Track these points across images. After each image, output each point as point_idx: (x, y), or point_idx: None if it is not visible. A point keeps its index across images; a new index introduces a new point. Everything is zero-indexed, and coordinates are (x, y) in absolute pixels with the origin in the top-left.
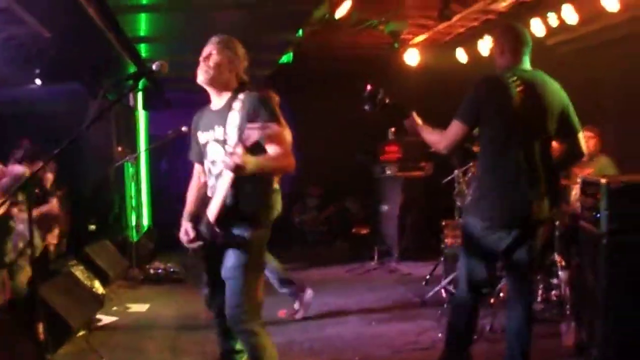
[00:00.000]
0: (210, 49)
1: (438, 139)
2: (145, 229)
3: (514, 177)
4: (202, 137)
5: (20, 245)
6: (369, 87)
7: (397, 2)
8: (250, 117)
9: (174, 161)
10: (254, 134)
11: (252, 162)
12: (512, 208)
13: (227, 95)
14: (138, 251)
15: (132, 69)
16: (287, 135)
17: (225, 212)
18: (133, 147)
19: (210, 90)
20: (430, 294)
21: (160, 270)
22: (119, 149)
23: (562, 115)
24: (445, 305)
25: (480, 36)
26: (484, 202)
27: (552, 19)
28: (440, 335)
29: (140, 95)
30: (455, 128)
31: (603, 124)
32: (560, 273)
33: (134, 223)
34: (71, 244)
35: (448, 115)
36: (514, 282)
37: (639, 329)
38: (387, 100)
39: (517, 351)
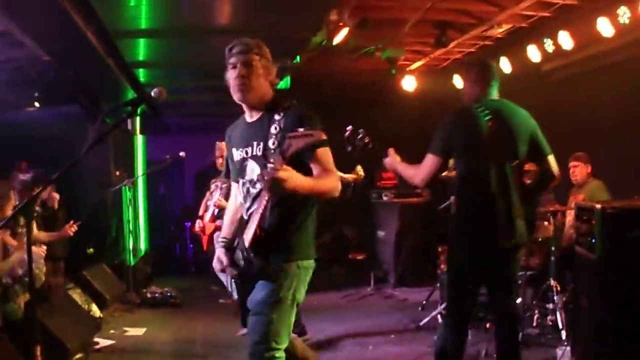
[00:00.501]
0: (244, 59)
1: (414, 173)
2: (143, 252)
3: (490, 204)
4: (236, 154)
5: (20, 272)
6: (349, 128)
7: (394, 28)
8: (289, 129)
9: (172, 186)
10: (296, 142)
11: (294, 178)
12: (490, 234)
13: (263, 106)
14: (135, 275)
15: (130, 93)
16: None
17: (262, 237)
18: (131, 172)
19: (245, 105)
20: (427, 319)
21: (157, 294)
22: (117, 173)
23: (531, 140)
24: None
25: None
26: (463, 230)
27: (548, 45)
28: None
29: (138, 119)
30: (429, 161)
31: (598, 148)
32: (555, 298)
33: (131, 247)
34: (69, 267)
35: None
36: (495, 306)
37: (634, 354)
38: (366, 141)
39: None
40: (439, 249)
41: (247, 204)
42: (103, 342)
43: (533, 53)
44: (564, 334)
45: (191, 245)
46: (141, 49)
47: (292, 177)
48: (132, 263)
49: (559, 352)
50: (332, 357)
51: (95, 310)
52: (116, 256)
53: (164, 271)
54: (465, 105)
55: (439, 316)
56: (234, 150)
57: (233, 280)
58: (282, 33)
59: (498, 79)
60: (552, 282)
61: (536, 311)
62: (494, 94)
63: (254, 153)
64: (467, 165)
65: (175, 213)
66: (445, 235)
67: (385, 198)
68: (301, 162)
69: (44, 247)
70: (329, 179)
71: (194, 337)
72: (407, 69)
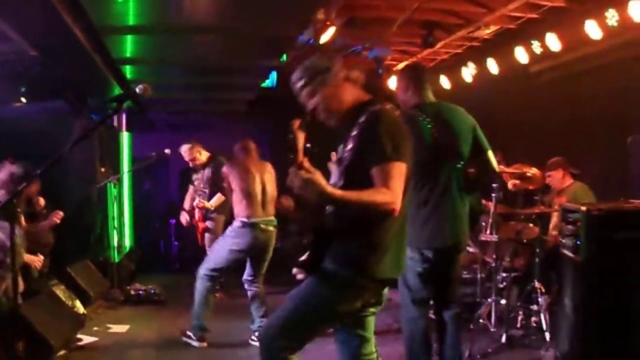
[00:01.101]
0: (301, 98)
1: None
2: (127, 249)
3: (435, 206)
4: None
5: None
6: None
7: (381, 28)
8: (365, 140)
9: (156, 183)
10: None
11: (311, 180)
12: (437, 234)
13: (350, 104)
14: (119, 272)
15: (116, 89)
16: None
17: (322, 237)
18: (116, 168)
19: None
20: None
21: (141, 292)
22: (102, 169)
23: (473, 138)
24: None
25: (464, 63)
26: (412, 231)
27: (536, 47)
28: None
29: (124, 116)
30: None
31: (585, 150)
32: (540, 299)
33: (115, 244)
34: (53, 263)
35: None
36: (439, 300)
37: (619, 355)
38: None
39: None
40: None
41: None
42: (86, 339)
43: (520, 54)
44: (548, 335)
45: (176, 243)
46: (128, 45)
47: (319, 185)
48: (117, 260)
49: (543, 353)
50: (315, 357)
51: (79, 307)
52: (101, 253)
53: (148, 268)
54: (408, 113)
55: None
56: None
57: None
58: (269, 31)
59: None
60: (537, 284)
61: (520, 312)
62: (431, 97)
63: (338, 155)
64: (415, 172)
65: (159, 210)
66: None
67: None
68: (365, 172)
69: (41, 257)
70: (378, 194)
71: (178, 334)
72: (394, 68)
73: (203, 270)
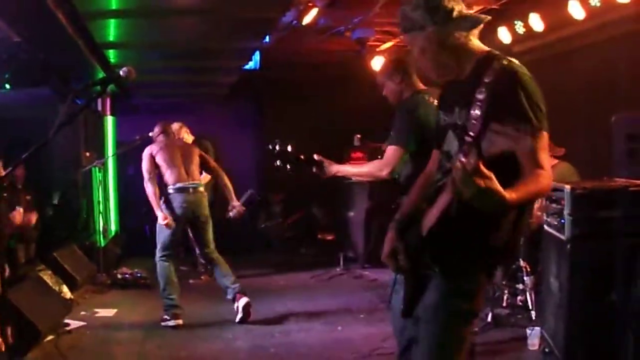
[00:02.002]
0: (408, 43)
1: (378, 166)
2: (113, 234)
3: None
4: (442, 118)
5: None
6: (274, 144)
7: (363, 9)
8: (498, 106)
9: (142, 166)
10: (499, 142)
11: (490, 189)
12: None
13: (472, 61)
14: (105, 256)
15: (101, 74)
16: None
17: (443, 228)
18: (101, 153)
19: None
20: None
21: (127, 275)
22: (87, 154)
23: None
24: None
25: None
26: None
27: (519, 27)
28: None
29: (108, 100)
30: (395, 152)
31: (569, 130)
32: (525, 279)
33: (101, 228)
34: (39, 248)
35: None
36: None
37: (602, 333)
38: (300, 158)
39: None
40: None
41: (438, 176)
42: (74, 324)
43: (504, 35)
44: (533, 314)
45: None
46: (111, 29)
47: (491, 187)
48: (103, 244)
49: (528, 332)
50: (301, 338)
51: (66, 292)
52: (87, 238)
53: (134, 252)
54: (418, 99)
55: None
56: (440, 112)
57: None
58: (252, 13)
59: None
60: (522, 263)
61: (506, 291)
62: (422, 85)
63: (455, 121)
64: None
65: (144, 194)
66: None
67: (354, 178)
68: (507, 156)
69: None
70: (537, 181)
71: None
72: (377, 49)
73: (156, 254)
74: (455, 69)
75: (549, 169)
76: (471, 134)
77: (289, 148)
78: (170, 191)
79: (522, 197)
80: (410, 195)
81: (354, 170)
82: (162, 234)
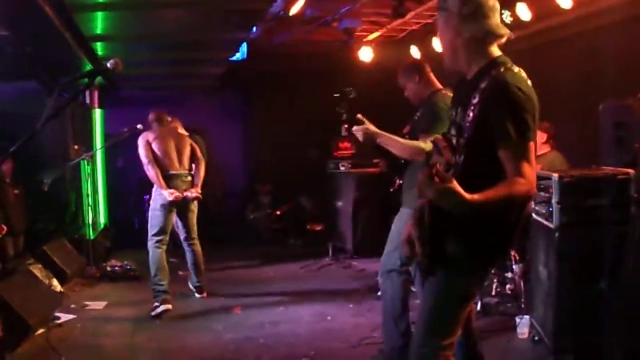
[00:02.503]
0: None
1: (418, 149)
2: (102, 226)
3: None
4: (453, 114)
5: None
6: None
7: None
8: (486, 114)
9: (130, 159)
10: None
11: (449, 189)
12: None
13: (479, 64)
14: (95, 249)
15: (88, 67)
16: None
17: (439, 219)
18: (89, 145)
19: None
20: None
21: (116, 268)
22: (75, 147)
23: None
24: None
25: (434, 33)
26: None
27: (506, 16)
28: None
29: (96, 93)
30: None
31: (557, 119)
32: (514, 267)
33: (90, 221)
34: (28, 242)
35: (401, 111)
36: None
37: (591, 320)
38: (357, 116)
39: None
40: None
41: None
42: (64, 317)
43: None
44: (522, 303)
45: None
46: (99, 22)
47: (449, 187)
48: (92, 237)
49: (517, 320)
50: (290, 328)
51: (56, 285)
52: (76, 231)
53: (123, 245)
54: (444, 97)
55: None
56: (452, 112)
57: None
58: (239, 4)
59: None
60: (511, 251)
61: (495, 280)
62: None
63: (456, 119)
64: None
65: (133, 187)
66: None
67: (342, 168)
68: (490, 149)
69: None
70: (513, 186)
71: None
72: (364, 39)
73: (149, 242)
74: (464, 65)
75: (531, 176)
76: (465, 135)
77: (351, 95)
78: (163, 178)
79: (486, 199)
80: None
81: (400, 139)
82: (155, 220)
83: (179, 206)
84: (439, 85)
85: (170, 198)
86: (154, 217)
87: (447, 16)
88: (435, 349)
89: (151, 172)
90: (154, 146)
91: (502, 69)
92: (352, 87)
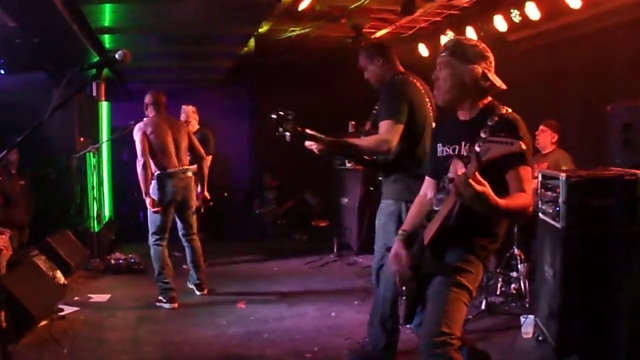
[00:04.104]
0: (437, 63)
1: (378, 141)
2: (107, 219)
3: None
4: (440, 150)
5: None
6: (278, 112)
7: None
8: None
9: (135, 152)
10: (494, 148)
11: (484, 194)
12: None
13: (478, 106)
14: (99, 241)
15: (96, 59)
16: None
17: (443, 234)
18: (95, 138)
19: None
20: None
21: (121, 261)
22: (81, 139)
23: None
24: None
25: (443, 31)
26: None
27: (515, 15)
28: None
29: (102, 86)
30: (391, 126)
31: (564, 119)
32: (519, 266)
33: (95, 213)
34: (33, 234)
35: None
36: None
37: (596, 320)
38: (299, 129)
39: None
40: None
41: (441, 196)
42: (68, 309)
43: (499, 23)
44: (527, 302)
45: None
46: (107, 14)
47: (482, 193)
48: (97, 230)
49: (522, 319)
50: (294, 324)
51: (60, 277)
52: (80, 223)
53: (128, 237)
54: (402, 80)
55: None
56: (439, 145)
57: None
58: None
59: None
60: (516, 251)
61: (500, 279)
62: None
63: (461, 152)
64: (414, 131)
65: (138, 179)
66: None
67: (348, 165)
68: (497, 172)
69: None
70: (522, 199)
71: (156, 302)
72: (372, 36)
73: (150, 238)
74: (467, 106)
75: (531, 195)
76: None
77: (289, 117)
78: (161, 175)
79: (510, 205)
80: (409, 216)
81: (354, 141)
82: (154, 218)
83: (178, 204)
84: (401, 68)
85: (152, 210)
86: (152, 214)
87: (468, 67)
88: (451, 339)
89: (141, 174)
90: (151, 141)
91: (504, 109)
92: (291, 110)
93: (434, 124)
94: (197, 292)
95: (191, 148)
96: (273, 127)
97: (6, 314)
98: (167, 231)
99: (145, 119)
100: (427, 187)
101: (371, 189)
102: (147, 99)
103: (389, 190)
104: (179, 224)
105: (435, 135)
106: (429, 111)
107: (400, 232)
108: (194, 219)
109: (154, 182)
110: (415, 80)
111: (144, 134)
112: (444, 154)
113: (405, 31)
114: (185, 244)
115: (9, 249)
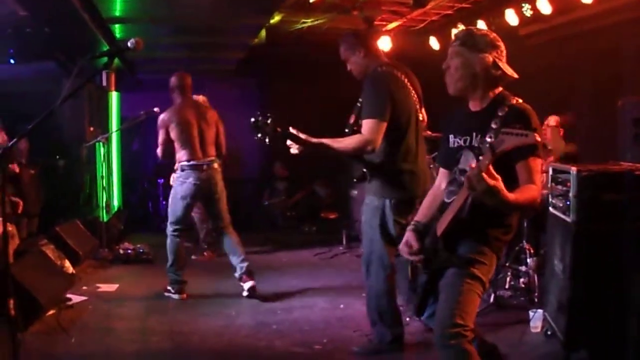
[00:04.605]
0: (449, 53)
1: (362, 141)
2: (116, 209)
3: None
4: (452, 141)
5: None
6: (257, 116)
7: None
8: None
9: (146, 142)
10: (508, 139)
11: (496, 187)
12: (418, 184)
13: (489, 97)
14: (108, 231)
15: (106, 49)
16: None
17: (456, 227)
18: (105, 128)
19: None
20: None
21: (129, 251)
22: (91, 129)
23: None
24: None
25: (454, 24)
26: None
27: (526, 9)
28: (407, 319)
29: (112, 76)
30: (374, 125)
31: (576, 111)
32: (528, 260)
33: (104, 203)
34: (42, 223)
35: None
36: None
37: (606, 315)
38: (277, 130)
39: None
40: None
41: (452, 188)
42: (76, 298)
43: (511, 17)
44: (536, 297)
45: (164, 202)
46: (118, 4)
47: (494, 187)
48: (105, 219)
49: (531, 314)
50: (303, 315)
51: (68, 267)
52: (89, 213)
53: (136, 227)
54: (386, 72)
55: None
56: (450, 136)
57: (415, 265)
58: None
59: None
60: (525, 245)
61: (509, 273)
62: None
63: (472, 143)
64: (399, 125)
65: (148, 170)
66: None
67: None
68: (508, 163)
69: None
70: (531, 192)
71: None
72: (384, 29)
73: (168, 228)
74: (478, 96)
75: (540, 187)
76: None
77: (268, 121)
78: (185, 167)
79: (520, 199)
80: (422, 207)
81: (335, 145)
82: (176, 208)
83: (203, 197)
84: (384, 58)
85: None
86: (174, 204)
87: (479, 56)
88: (465, 330)
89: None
90: (173, 134)
91: (514, 100)
92: (269, 114)
93: (420, 116)
94: (249, 283)
95: (217, 138)
96: (252, 132)
97: (14, 303)
98: (186, 223)
99: (169, 108)
100: (442, 178)
101: None
102: (173, 81)
103: (373, 186)
104: (209, 218)
105: (447, 126)
106: (414, 103)
107: (413, 222)
108: (221, 210)
109: (177, 174)
110: (398, 72)
111: (166, 130)
112: (456, 145)
113: (416, 24)
114: (219, 236)
115: (16, 237)
